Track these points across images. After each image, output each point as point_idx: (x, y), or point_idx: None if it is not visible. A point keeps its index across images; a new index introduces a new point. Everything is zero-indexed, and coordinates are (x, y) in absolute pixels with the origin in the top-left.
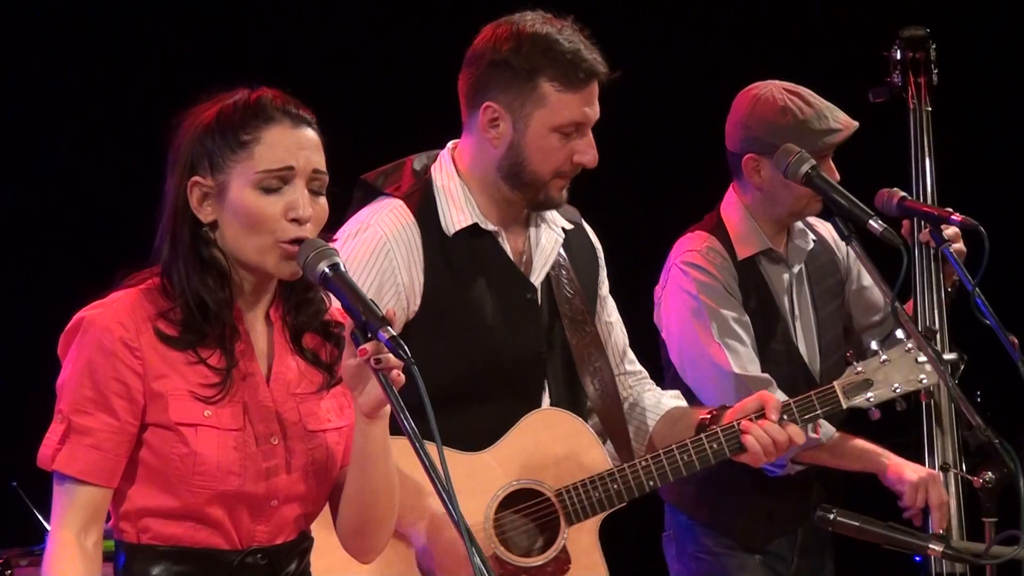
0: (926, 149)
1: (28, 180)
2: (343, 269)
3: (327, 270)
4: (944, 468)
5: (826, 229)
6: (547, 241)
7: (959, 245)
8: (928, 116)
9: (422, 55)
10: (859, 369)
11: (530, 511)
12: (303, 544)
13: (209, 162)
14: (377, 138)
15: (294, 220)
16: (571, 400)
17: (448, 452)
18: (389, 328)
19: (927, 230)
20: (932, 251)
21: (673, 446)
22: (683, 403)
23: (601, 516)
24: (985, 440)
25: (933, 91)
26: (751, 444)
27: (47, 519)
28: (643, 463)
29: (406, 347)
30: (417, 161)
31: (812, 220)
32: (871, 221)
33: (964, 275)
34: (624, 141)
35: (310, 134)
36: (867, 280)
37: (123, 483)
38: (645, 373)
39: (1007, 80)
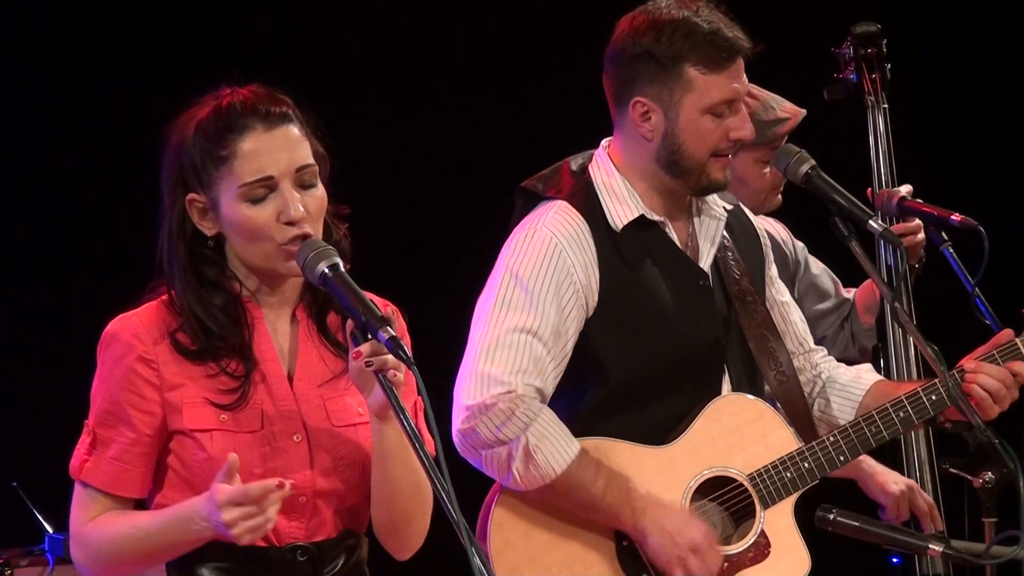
0: (887, 146)
1: (28, 179)
2: (342, 269)
3: (326, 270)
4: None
5: (773, 226)
6: (709, 224)
7: (920, 236)
8: (886, 113)
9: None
10: None
11: (724, 498)
12: (347, 541)
13: (198, 179)
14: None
15: (288, 223)
16: (751, 384)
17: (635, 448)
18: (389, 328)
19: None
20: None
21: (860, 418)
22: (881, 377)
23: (795, 496)
24: (985, 440)
25: (888, 87)
26: (984, 382)
27: (47, 519)
28: (831, 438)
29: (405, 347)
30: (573, 162)
31: (759, 217)
32: (871, 221)
33: (964, 276)
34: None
35: (287, 131)
36: (815, 269)
37: (159, 487)
38: (826, 351)
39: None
